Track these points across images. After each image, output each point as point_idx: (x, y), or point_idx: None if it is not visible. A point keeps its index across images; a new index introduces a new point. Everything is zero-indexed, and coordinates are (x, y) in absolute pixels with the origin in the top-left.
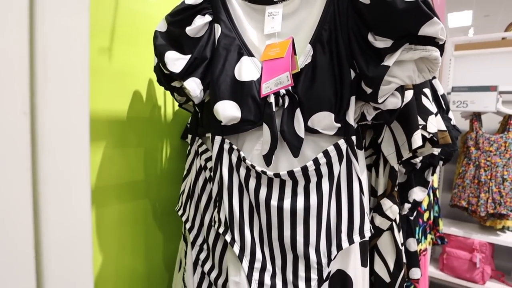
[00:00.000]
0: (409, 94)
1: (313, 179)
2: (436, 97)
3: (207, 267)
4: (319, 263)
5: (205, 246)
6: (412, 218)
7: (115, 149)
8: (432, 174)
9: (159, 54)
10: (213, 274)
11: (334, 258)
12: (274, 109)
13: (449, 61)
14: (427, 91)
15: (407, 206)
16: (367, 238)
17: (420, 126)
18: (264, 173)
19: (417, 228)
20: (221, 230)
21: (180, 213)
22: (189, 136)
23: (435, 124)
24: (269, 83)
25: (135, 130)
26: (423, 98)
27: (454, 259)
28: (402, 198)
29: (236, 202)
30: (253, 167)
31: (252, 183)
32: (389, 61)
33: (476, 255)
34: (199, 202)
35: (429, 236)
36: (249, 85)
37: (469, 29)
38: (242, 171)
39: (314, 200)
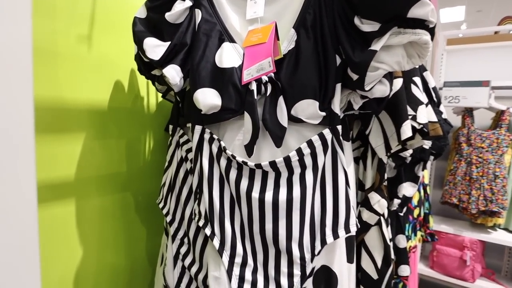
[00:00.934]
0: (398, 83)
1: (297, 171)
2: (427, 90)
3: (187, 261)
4: (302, 258)
5: (185, 240)
6: (401, 214)
7: (95, 141)
8: (423, 169)
9: (138, 40)
10: (194, 269)
11: (318, 254)
12: (256, 97)
13: (441, 56)
14: (417, 80)
15: (396, 201)
16: (353, 233)
17: (410, 117)
18: (245, 163)
19: (407, 225)
20: (201, 223)
21: (161, 206)
22: (170, 127)
23: (425, 114)
24: (251, 70)
25: (116, 121)
26: (413, 87)
27: (444, 256)
28: (392, 194)
29: (217, 194)
30: (234, 157)
31: (233, 174)
32: (376, 46)
33: (467, 253)
34: (180, 195)
35: (419, 233)
36: (230, 72)
37: (462, 24)
38: (223, 162)
39: (297, 192)
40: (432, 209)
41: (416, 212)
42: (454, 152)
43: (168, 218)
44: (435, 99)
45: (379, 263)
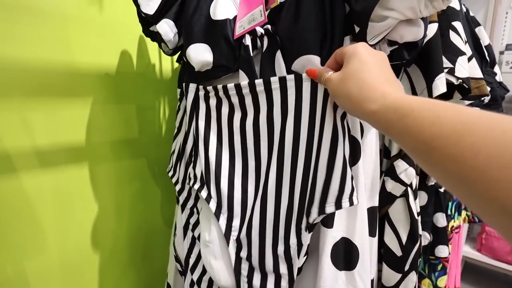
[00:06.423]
0: (432, 28)
1: None
2: (478, 48)
3: (197, 232)
4: (299, 224)
5: (195, 210)
6: (442, 190)
7: (107, 105)
8: None
9: None
10: None
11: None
12: (251, 53)
13: (505, 15)
14: (457, 25)
15: None
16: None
17: (446, 70)
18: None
19: (450, 203)
20: (196, 186)
21: (170, 174)
22: (178, 90)
23: (466, 67)
24: (243, 21)
25: (128, 86)
26: (452, 34)
27: (494, 239)
28: None
29: (213, 153)
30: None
31: (225, 109)
32: None
33: None
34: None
35: (463, 213)
36: (222, 25)
37: None
38: (225, 109)
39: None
40: None
41: None
42: None
43: (177, 187)
44: (487, 57)
45: (403, 239)
